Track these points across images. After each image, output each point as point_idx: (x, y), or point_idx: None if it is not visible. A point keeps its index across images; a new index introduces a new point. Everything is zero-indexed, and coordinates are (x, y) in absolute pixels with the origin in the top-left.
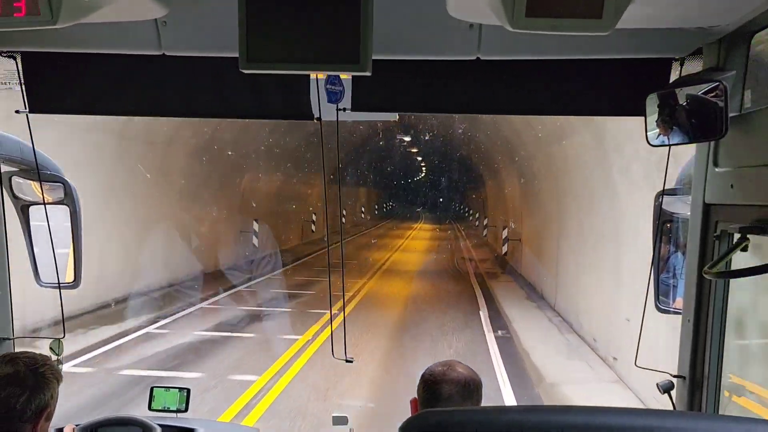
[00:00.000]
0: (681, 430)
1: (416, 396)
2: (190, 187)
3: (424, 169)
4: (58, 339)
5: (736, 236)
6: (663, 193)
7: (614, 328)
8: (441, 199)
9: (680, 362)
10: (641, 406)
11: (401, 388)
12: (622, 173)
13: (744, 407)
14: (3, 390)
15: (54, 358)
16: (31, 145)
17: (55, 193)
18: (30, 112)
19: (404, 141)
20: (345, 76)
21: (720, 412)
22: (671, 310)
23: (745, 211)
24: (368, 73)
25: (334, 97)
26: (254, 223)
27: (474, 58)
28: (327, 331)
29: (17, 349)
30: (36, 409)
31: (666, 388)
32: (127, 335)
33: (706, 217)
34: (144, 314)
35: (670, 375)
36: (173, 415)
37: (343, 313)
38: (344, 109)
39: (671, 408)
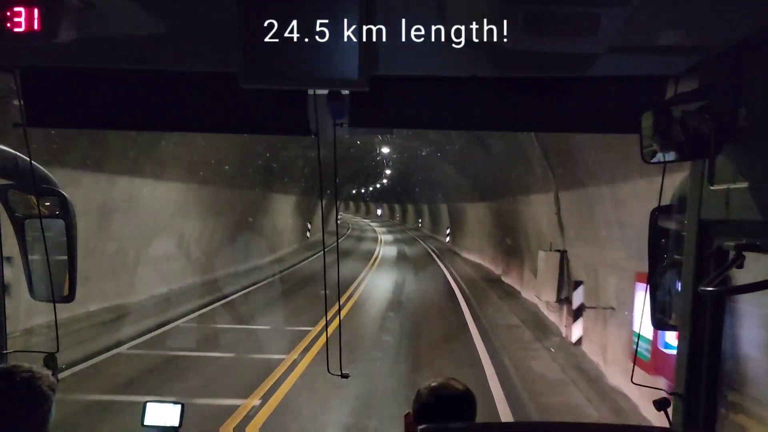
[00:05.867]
0: None
1: (410, 411)
2: None
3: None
4: (53, 353)
5: (732, 253)
6: (658, 209)
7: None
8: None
9: (676, 379)
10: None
11: None
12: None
13: (741, 425)
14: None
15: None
16: (27, 159)
17: (51, 206)
18: (28, 125)
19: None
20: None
21: (717, 430)
22: (667, 326)
23: (741, 228)
24: (366, 90)
25: (337, 113)
26: None
27: (470, 74)
28: None
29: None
30: (33, 424)
31: (662, 406)
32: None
33: (701, 234)
34: None
35: (666, 392)
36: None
37: (339, 324)
38: (342, 125)
39: (668, 425)
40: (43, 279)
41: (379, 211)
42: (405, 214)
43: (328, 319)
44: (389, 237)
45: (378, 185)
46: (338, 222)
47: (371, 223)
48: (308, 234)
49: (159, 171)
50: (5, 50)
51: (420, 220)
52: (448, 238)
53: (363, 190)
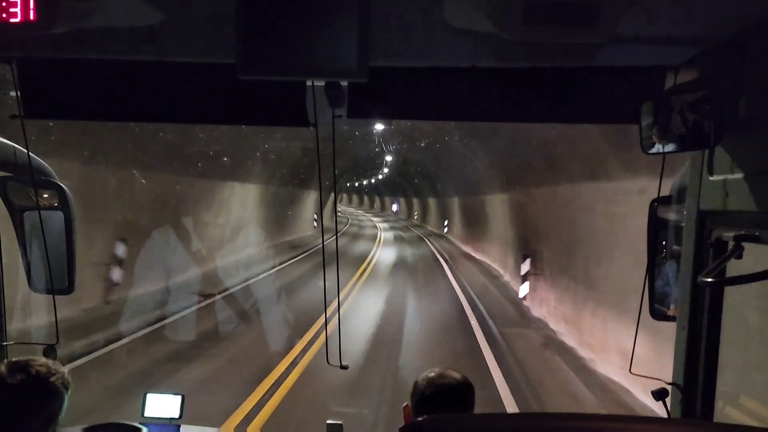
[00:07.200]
0: None
1: (408, 403)
2: None
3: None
4: (52, 344)
5: (731, 244)
6: (657, 200)
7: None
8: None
9: (675, 369)
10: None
11: None
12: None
13: (738, 415)
14: (13, 399)
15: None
16: (25, 150)
17: (50, 198)
18: (25, 117)
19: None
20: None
21: (714, 420)
22: (666, 317)
23: (740, 219)
24: (365, 80)
25: (335, 104)
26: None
27: (470, 65)
28: None
29: (10, 354)
30: (44, 419)
31: (660, 396)
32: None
33: (700, 225)
34: None
35: (665, 382)
36: (167, 422)
37: (338, 317)
38: (340, 116)
39: (666, 415)
40: (43, 271)
41: (395, 207)
42: (426, 211)
43: (327, 316)
44: (389, 253)
45: (384, 173)
46: (333, 223)
47: (380, 224)
48: (118, 276)
49: None
50: (2, 41)
51: (446, 223)
52: (524, 289)
53: (373, 180)
